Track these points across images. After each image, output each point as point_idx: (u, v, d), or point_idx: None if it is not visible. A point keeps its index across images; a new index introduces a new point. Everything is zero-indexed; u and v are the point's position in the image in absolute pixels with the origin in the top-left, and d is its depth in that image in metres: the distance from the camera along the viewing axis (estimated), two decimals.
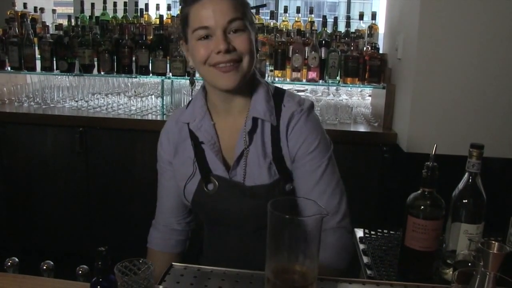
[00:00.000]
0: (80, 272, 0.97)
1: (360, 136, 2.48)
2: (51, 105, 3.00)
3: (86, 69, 2.90)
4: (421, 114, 2.17)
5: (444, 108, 2.15)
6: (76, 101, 3.04)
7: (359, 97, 3.08)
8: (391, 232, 1.41)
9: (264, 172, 1.18)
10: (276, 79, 2.67)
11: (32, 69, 2.98)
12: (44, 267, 0.98)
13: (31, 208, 2.89)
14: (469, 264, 1.04)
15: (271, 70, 2.70)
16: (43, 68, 2.96)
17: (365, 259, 1.26)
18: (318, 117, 1.26)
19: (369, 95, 3.06)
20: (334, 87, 2.99)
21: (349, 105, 2.72)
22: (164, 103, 2.87)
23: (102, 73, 2.89)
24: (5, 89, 3.12)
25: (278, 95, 1.23)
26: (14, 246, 2.90)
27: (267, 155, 1.19)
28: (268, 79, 2.71)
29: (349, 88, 3.04)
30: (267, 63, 2.69)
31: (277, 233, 0.82)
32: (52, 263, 0.99)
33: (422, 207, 1.10)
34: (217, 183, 1.20)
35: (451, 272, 1.11)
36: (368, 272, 1.18)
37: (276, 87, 1.27)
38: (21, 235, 2.92)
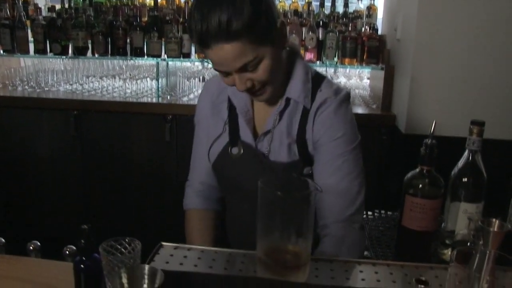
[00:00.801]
0: (67, 252, 0.94)
1: (358, 118, 2.39)
2: (45, 88, 2.94)
3: (80, 52, 2.85)
4: (420, 95, 2.14)
5: (444, 89, 2.11)
6: (71, 84, 2.99)
7: (358, 79, 3.04)
8: (388, 212, 1.39)
9: (284, 150, 1.18)
10: None
11: (25, 52, 2.92)
12: (31, 247, 0.95)
13: (25, 193, 2.86)
14: (468, 244, 1.01)
15: None
16: (37, 51, 2.90)
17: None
18: (351, 109, 1.23)
19: (368, 78, 3.02)
20: (332, 69, 2.95)
21: (347, 86, 2.68)
22: (159, 85, 2.82)
23: (96, 55, 2.84)
24: None
25: (318, 79, 1.21)
26: (8, 232, 2.87)
27: (290, 135, 1.18)
28: None
29: (347, 70, 3.00)
30: None
31: (268, 211, 0.80)
32: (38, 243, 0.96)
33: (421, 185, 1.07)
34: (242, 149, 1.21)
35: (449, 253, 1.09)
36: (365, 252, 1.16)
37: (317, 72, 1.24)
38: (15, 219, 2.90)
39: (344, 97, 1.20)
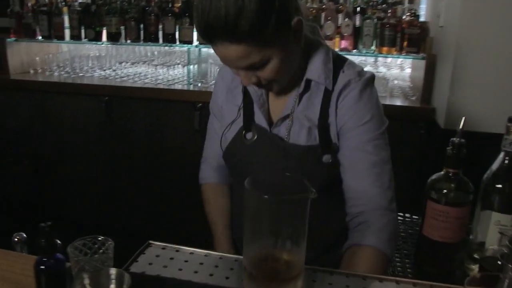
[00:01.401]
0: (16, 239, 0.88)
1: (395, 110, 2.28)
2: (80, 74, 2.97)
3: (113, 38, 2.84)
4: (462, 87, 1.96)
5: (488, 81, 1.92)
6: (104, 70, 3.01)
7: (399, 69, 2.86)
8: (414, 217, 1.26)
9: (303, 133, 1.11)
10: None
11: (62, 37, 2.95)
12: (16, 239, 0.90)
13: (58, 178, 2.90)
14: (499, 262, 0.88)
15: None
16: (72, 37, 2.93)
17: None
18: (376, 92, 1.14)
19: (409, 67, 2.83)
20: (372, 59, 2.80)
21: (386, 77, 2.52)
22: (190, 72, 2.76)
23: (129, 41, 2.81)
24: (37, 58, 3.11)
25: (339, 60, 1.13)
26: (43, 215, 2.93)
27: (310, 118, 1.11)
28: None
29: (388, 60, 2.84)
30: None
31: (255, 215, 0.70)
32: (24, 235, 0.90)
33: (445, 190, 0.94)
34: (256, 133, 1.15)
35: (477, 269, 0.96)
36: None
37: (339, 54, 1.16)
38: (49, 204, 2.95)
39: (369, 79, 1.11)
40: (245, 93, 1.18)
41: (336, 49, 2.48)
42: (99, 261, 0.70)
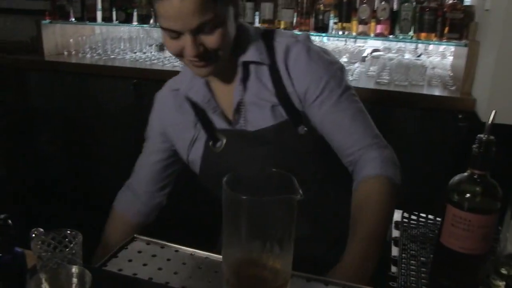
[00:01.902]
0: None
1: (432, 101, 2.13)
2: (111, 56, 2.97)
3: (143, 20, 2.80)
4: (506, 77, 1.78)
5: None
6: (135, 53, 2.98)
7: (440, 56, 2.68)
8: (438, 219, 1.13)
9: (267, 114, 1.08)
10: (340, 32, 2.37)
11: (94, 19, 2.95)
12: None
13: (89, 160, 2.93)
14: None
15: (335, 23, 2.41)
16: (103, 19, 2.92)
17: (394, 251, 1.00)
18: (318, 47, 1.12)
19: (451, 55, 2.64)
20: (412, 46, 2.63)
21: (424, 65, 2.35)
22: None
23: (158, 24, 2.76)
24: (71, 40, 3.12)
25: (267, 33, 1.12)
26: (73, 196, 2.97)
27: (268, 99, 1.08)
28: (332, 32, 2.43)
29: (429, 47, 2.66)
30: (331, 15, 2.39)
31: (233, 217, 0.62)
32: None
33: (468, 195, 0.82)
34: (224, 137, 1.12)
35: (504, 287, 0.84)
36: (393, 269, 0.94)
37: (265, 28, 1.16)
38: (81, 185, 2.98)
39: (305, 38, 1.11)
40: (194, 106, 1.15)
41: (371, 34, 2.34)
42: (64, 258, 0.64)
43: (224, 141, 1.11)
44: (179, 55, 1.02)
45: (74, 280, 0.60)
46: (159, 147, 1.27)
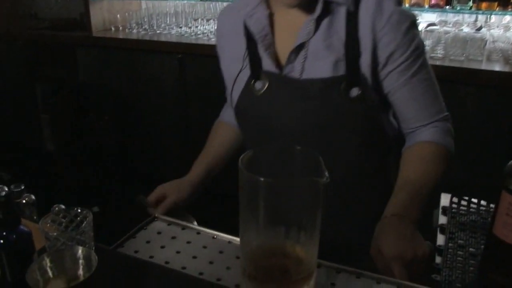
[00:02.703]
0: None
1: (491, 76, 1.96)
2: (157, 31, 2.96)
3: None
4: None
5: None
6: (180, 27, 2.95)
7: (503, 29, 2.46)
8: (491, 205, 1.02)
9: (326, 64, 0.95)
10: None
11: None
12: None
13: (137, 134, 2.96)
14: None
15: None
16: None
17: (440, 240, 0.91)
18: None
19: None
20: (471, 18, 2.43)
21: (483, 38, 2.17)
22: None
23: None
24: (118, 16, 3.14)
25: None
26: (123, 170, 3.03)
27: (334, 48, 0.96)
28: None
29: (492, 19, 2.45)
30: None
31: (250, 200, 0.55)
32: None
33: None
34: (267, 80, 1.01)
35: None
36: (437, 259, 0.84)
37: None
38: (130, 158, 3.04)
39: None
40: (248, 37, 1.03)
41: (426, 6, 2.18)
42: (72, 238, 0.60)
43: (267, 84, 1.00)
44: None
45: (81, 262, 0.57)
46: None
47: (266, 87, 1.00)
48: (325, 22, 0.95)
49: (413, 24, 0.97)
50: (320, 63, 0.95)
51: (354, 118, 0.96)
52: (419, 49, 0.97)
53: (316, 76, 0.96)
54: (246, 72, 1.04)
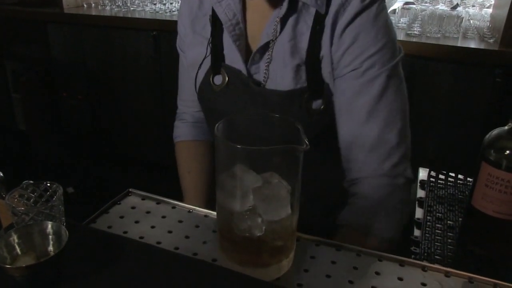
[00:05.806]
0: None
1: (466, 54, 1.97)
2: (131, 8, 2.88)
3: None
4: None
5: None
6: (154, 4, 2.88)
7: (478, 7, 2.47)
8: (469, 179, 1.03)
9: (287, 74, 0.86)
10: None
11: None
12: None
13: (110, 111, 2.92)
14: None
15: None
16: None
17: (418, 213, 0.91)
18: (389, 16, 0.87)
19: (491, 5, 2.44)
20: None
21: (460, 15, 2.17)
22: None
23: None
24: None
25: None
26: (97, 148, 2.98)
27: (297, 52, 0.86)
28: None
29: None
30: None
31: (227, 169, 0.53)
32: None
33: (508, 152, 0.72)
34: (226, 76, 0.91)
35: None
36: (416, 232, 0.84)
37: None
38: (102, 137, 2.99)
39: None
40: (215, 22, 0.93)
41: None
42: (40, 213, 0.57)
43: (226, 81, 0.92)
44: None
45: (51, 237, 0.54)
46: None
47: (224, 84, 0.92)
48: (291, 21, 0.86)
49: (383, 23, 0.84)
50: (283, 70, 0.87)
51: (315, 131, 0.88)
52: (386, 55, 0.83)
53: (278, 85, 0.88)
54: (207, 63, 0.95)
